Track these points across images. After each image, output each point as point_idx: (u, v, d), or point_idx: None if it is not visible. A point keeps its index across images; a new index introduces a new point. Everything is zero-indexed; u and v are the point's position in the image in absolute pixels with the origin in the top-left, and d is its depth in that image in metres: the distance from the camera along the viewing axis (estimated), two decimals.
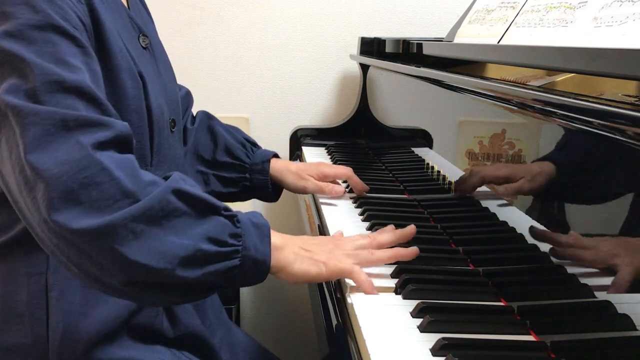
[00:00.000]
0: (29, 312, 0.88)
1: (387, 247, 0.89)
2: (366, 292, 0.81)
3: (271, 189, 1.25)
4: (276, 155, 1.27)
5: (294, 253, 0.82)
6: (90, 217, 0.68)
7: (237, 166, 1.24)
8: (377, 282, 0.85)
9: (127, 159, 0.73)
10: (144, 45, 0.98)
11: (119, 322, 0.90)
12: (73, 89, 0.73)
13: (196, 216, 0.74)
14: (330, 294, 0.90)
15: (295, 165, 1.27)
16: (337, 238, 0.91)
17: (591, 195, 0.71)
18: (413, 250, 0.88)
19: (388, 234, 0.92)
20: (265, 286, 2.03)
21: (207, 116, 1.30)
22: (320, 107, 1.96)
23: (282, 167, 1.25)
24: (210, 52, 1.90)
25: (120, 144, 0.75)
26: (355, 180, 1.25)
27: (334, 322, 0.83)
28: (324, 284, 0.94)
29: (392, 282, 0.85)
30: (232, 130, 1.28)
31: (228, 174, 1.23)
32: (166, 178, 0.76)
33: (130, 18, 0.97)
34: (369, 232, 1.05)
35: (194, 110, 1.32)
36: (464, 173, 1.02)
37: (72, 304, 0.88)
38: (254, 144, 1.28)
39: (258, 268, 0.78)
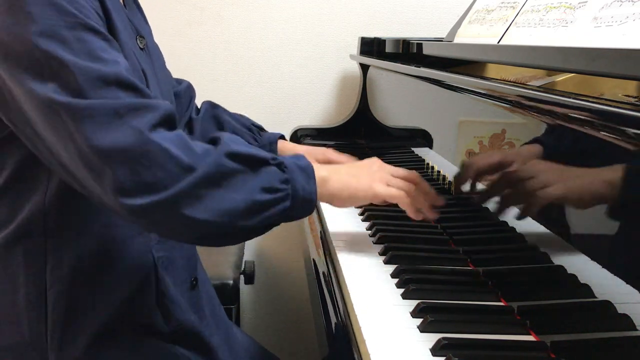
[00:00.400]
0: (27, 310, 0.88)
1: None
2: (412, 217, 0.93)
3: None
4: (283, 137, 1.27)
5: (341, 182, 0.90)
6: (158, 193, 0.76)
7: None
8: (377, 282, 0.86)
9: (179, 136, 0.79)
10: (141, 47, 0.99)
11: (118, 320, 0.91)
12: (113, 81, 0.77)
13: (249, 172, 0.81)
14: (330, 293, 0.90)
15: (304, 147, 1.27)
16: (378, 162, 0.96)
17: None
18: (436, 214, 0.94)
19: (427, 184, 0.96)
20: (265, 286, 2.04)
21: (211, 105, 1.30)
22: (320, 107, 1.96)
23: (290, 149, 1.25)
24: (210, 52, 1.90)
25: (168, 122, 0.80)
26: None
27: (334, 322, 0.84)
28: (323, 284, 0.95)
29: (392, 282, 0.85)
30: (238, 117, 1.29)
31: None
32: (213, 139, 0.84)
33: (128, 19, 0.97)
34: (369, 231, 1.06)
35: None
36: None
37: (71, 301, 0.88)
38: (260, 128, 1.28)
39: (306, 205, 0.86)
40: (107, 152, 0.75)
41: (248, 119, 1.30)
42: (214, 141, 0.84)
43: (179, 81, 1.29)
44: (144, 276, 0.93)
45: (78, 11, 0.78)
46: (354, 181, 0.90)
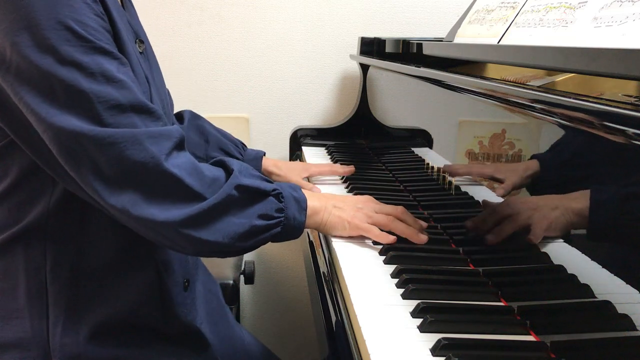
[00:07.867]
0: (28, 306, 0.90)
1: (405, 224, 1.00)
2: (382, 242, 0.97)
3: None
4: (264, 154, 1.35)
5: (328, 213, 0.99)
6: (170, 212, 0.83)
7: None
8: (377, 282, 0.86)
9: (189, 162, 0.86)
10: (140, 51, 0.98)
11: (119, 318, 0.92)
12: (129, 108, 0.82)
13: (251, 201, 0.90)
14: (330, 293, 0.90)
15: (285, 163, 1.36)
16: (368, 199, 1.05)
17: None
18: (424, 238, 0.97)
19: (412, 217, 1.02)
20: (265, 286, 2.04)
21: (193, 116, 1.33)
22: (320, 107, 1.96)
23: (271, 164, 1.35)
24: (210, 52, 1.90)
25: (179, 146, 0.87)
26: (338, 169, 1.36)
27: (334, 322, 0.84)
28: (324, 284, 0.95)
29: (392, 282, 0.85)
30: (220, 130, 1.34)
31: None
32: (224, 165, 0.91)
33: (128, 22, 0.97)
34: None
35: (180, 108, 1.34)
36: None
37: (72, 298, 0.90)
38: (243, 144, 1.35)
39: (294, 232, 0.95)
40: (129, 172, 0.81)
41: (228, 133, 1.36)
42: (223, 167, 0.91)
43: None
44: (147, 279, 0.95)
45: (91, 35, 0.80)
46: (338, 213, 1.00)
